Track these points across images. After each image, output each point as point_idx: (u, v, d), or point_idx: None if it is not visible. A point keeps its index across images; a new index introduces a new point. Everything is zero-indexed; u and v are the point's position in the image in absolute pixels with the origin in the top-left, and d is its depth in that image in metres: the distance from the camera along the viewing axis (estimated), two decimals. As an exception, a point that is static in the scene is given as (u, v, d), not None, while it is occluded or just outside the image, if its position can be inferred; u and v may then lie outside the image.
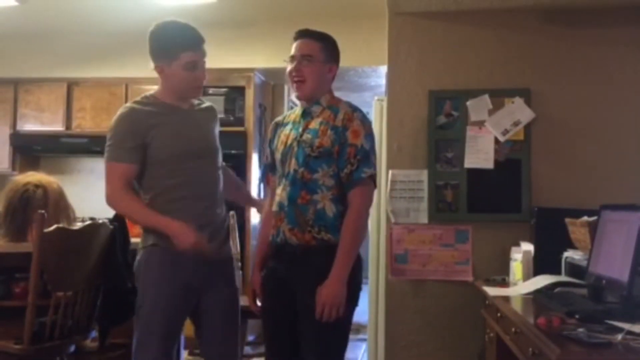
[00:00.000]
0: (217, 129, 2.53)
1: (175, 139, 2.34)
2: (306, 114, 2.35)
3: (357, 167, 2.22)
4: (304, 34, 2.34)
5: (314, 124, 2.30)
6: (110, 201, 2.34)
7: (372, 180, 2.28)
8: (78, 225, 2.74)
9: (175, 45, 2.30)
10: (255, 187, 5.08)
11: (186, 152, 2.35)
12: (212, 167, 2.45)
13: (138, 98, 2.42)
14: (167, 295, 2.31)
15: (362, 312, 4.06)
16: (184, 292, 2.33)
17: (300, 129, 2.32)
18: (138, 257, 2.39)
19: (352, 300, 2.24)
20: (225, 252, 2.47)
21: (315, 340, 2.23)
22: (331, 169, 2.24)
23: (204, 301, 2.39)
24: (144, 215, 2.33)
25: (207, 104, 2.57)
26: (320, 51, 2.31)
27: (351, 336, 2.38)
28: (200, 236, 2.26)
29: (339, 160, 2.24)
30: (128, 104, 2.40)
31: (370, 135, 2.29)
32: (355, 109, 2.32)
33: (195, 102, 2.50)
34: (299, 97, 2.35)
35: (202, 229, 2.32)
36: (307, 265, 2.23)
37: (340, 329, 2.25)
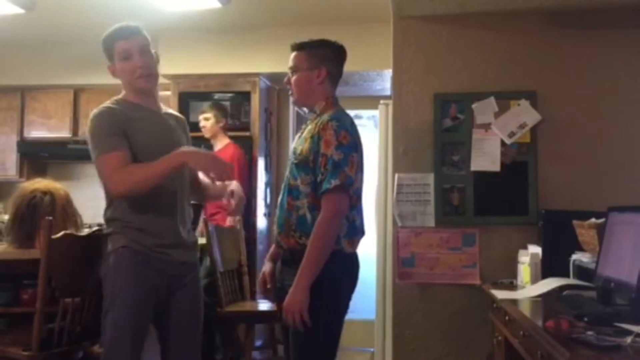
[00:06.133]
0: (187, 141, 2.53)
1: (149, 136, 2.34)
2: (306, 121, 2.44)
3: (325, 178, 2.22)
4: (291, 48, 2.41)
5: (305, 132, 2.36)
6: (115, 189, 2.26)
7: (342, 190, 2.21)
8: (85, 231, 2.75)
9: (109, 40, 2.40)
10: (261, 192, 5.08)
11: (159, 150, 2.30)
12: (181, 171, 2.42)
13: (107, 101, 2.44)
14: (138, 295, 2.27)
15: (370, 316, 4.07)
16: (152, 294, 2.31)
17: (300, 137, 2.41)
18: (108, 261, 2.31)
19: (326, 309, 2.21)
20: (191, 256, 2.47)
21: (292, 346, 2.27)
22: (308, 176, 2.27)
23: (169, 304, 2.37)
24: (151, 170, 2.25)
25: (177, 114, 2.62)
26: (303, 60, 2.37)
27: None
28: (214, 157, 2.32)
29: (315, 169, 2.26)
30: (99, 106, 2.40)
31: (343, 145, 2.22)
32: (332, 117, 2.27)
33: (165, 108, 2.54)
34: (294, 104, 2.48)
35: (177, 231, 2.36)
36: (294, 269, 2.24)
37: (314, 338, 2.21)
